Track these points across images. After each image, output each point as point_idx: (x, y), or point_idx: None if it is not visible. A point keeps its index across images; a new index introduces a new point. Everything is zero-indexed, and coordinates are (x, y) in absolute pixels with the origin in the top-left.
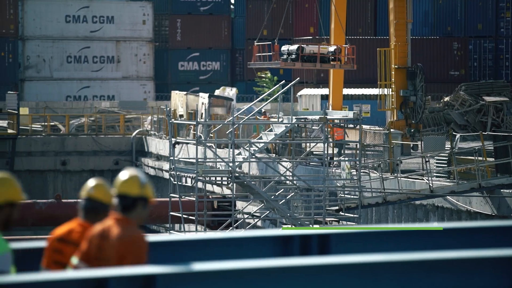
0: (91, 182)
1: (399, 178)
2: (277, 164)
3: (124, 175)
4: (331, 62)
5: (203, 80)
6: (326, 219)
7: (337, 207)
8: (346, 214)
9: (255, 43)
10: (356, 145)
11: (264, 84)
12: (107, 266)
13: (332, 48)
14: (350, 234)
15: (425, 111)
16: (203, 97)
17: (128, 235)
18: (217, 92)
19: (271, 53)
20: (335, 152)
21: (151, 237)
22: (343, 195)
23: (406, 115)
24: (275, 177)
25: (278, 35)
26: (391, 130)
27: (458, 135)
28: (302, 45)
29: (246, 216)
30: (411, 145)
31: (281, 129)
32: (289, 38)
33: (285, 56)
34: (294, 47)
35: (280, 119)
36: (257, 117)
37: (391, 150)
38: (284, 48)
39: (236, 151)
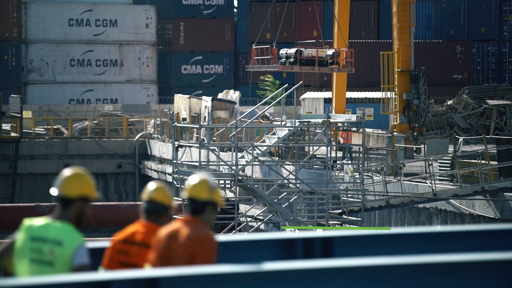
0: (152, 185)
1: (402, 182)
2: (280, 167)
3: (195, 179)
4: (330, 66)
5: (206, 84)
6: (329, 222)
7: (340, 210)
8: (349, 217)
9: (253, 46)
10: (359, 148)
11: (267, 88)
12: (177, 265)
13: (330, 52)
14: (353, 237)
15: (428, 114)
16: (206, 101)
17: (198, 235)
18: (220, 96)
19: (269, 57)
20: (339, 155)
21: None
22: (346, 198)
23: (409, 118)
24: (278, 180)
25: (277, 38)
26: (394, 133)
27: (461, 139)
28: (301, 49)
29: (249, 219)
30: (414, 148)
31: (284, 132)
32: (292, 42)
33: (283, 60)
34: (292, 50)
35: (283, 123)
36: (260, 120)
37: (394, 153)
38: (283, 51)
39: (239, 154)
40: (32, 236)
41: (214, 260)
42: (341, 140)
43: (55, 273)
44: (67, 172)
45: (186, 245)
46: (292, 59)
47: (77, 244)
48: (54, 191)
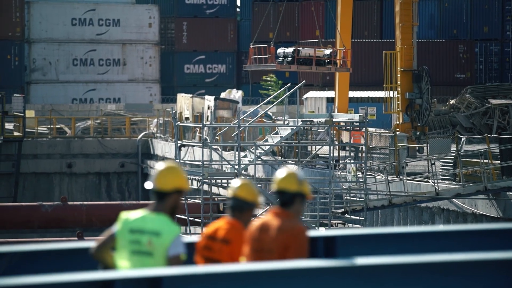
0: (237, 182)
1: (404, 181)
2: (282, 167)
3: (283, 172)
4: (327, 65)
5: (209, 83)
6: (331, 221)
7: (342, 210)
8: (351, 216)
9: (251, 45)
10: (362, 147)
11: (270, 87)
12: (269, 258)
13: (327, 51)
14: (356, 237)
15: (430, 113)
16: (209, 100)
17: (289, 226)
18: (223, 95)
19: (266, 56)
20: (342, 154)
21: None
22: (348, 198)
23: (412, 117)
24: None
25: (280, 38)
26: (397, 132)
27: (463, 138)
28: (298, 48)
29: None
30: (417, 147)
31: (287, 131)
32: (295, 41)
33: (281, 59)
34: (290, 49)
35: (286, 122)
36: (263, 120)
37: (396, 152)
38: (280, 50)
39: (242, 154)
40: (130, 228)
41: (307, 251)
42: (343, 139)
43: (155, 263)
44: (161, 166)
45: (278, 237)
46: (289, 58)
47: (175, 234)
48: (149, 185)
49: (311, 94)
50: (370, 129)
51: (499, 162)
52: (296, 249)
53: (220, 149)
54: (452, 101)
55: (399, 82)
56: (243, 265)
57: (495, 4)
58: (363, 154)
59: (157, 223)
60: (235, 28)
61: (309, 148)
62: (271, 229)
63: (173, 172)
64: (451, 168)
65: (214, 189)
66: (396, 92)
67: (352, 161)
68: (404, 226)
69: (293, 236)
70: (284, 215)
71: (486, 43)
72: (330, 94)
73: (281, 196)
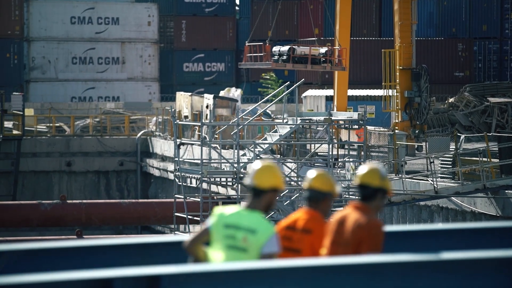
0: (312, 174)
1: (403, 179)
2: (281, 165)
3: (366, 167)
4: (322, 64)
5: (208, 81)
6: None
7: (342, 208)
8: None
9: (246, 43)
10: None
11: (269, 86)
12: (346, 250)
13: (323, 50)
14: None
15: (429, 112)
16: (208, 98)
17: (367, 221)
18: (221, 93)
19: (262, 54)
20: (346, 153)
21: (156, 238)
22: (348, 196)
23: (410, 116)
24: None
25: (272, 36)
26: (396, 131)
27: (462, 136)
28: (294, 46)
29: None
30: (416, 146)
31: (286, 130)
32: (294, 40)
33: (276, 57)
34: (285, 48)
35: (285, 120)
36: (262, 118)
37: (395, 151)
38: (276, 49)
39: (241, 152)
40: (225, 223)
41: (381, 248)
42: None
43: (248, 259)
44: (259, 164)
45: (355, 231)
46: (285, 57)
47: (270, 233)
48: (247, 182)
49: (310, 92)
50: (369, 127)
51: (498, 160)
52: (371, 244)
53: (219, 148)
54: (451, 100)
55: (398, 80)
56: (243, 264)
57: (494, 3)
58: (361, 152)
59: (253, 221)
60: (234, 27)
61: (308, 146)
62: (349, 222)
63: (270, 171)
64: (450, 166)
65: (213, 188)
66: (395, 90)
67: (351, 159)
68: (403, 225)
69: (369, 231)
70: (364, 210)
71: (485, 41)
72: (329, 92)
73: (363, 190)
